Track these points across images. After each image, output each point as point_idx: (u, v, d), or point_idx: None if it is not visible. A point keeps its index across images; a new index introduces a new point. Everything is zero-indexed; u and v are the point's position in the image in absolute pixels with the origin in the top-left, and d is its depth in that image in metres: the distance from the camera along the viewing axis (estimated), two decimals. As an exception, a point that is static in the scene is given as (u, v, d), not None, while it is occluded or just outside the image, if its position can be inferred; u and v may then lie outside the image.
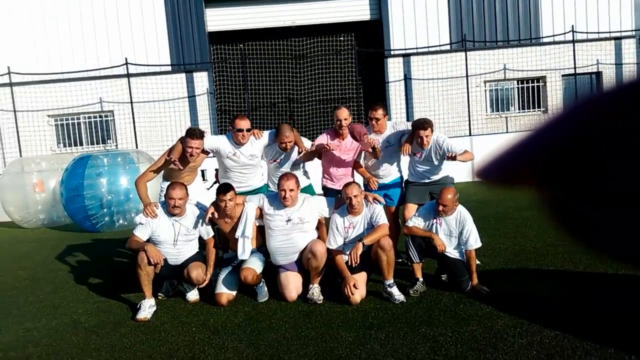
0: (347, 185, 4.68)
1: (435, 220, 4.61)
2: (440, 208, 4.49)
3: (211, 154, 5.29)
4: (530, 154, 0.39)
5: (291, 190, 4.63)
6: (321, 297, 4.54)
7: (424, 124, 5.06)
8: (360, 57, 14.05)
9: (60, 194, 9.31)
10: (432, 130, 5.10)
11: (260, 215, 4.81)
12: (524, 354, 3.25)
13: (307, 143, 5.25)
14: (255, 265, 4.67)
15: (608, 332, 3.47)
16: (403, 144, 5.13)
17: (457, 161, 4.88)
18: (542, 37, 14.32)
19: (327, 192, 5.29)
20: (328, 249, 4.62)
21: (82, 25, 13.77)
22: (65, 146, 14.32)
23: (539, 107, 14.81)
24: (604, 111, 0.35)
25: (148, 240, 4.72)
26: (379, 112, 5.17)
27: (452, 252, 4.58)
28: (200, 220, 4.81)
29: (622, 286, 4.35)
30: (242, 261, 4.70)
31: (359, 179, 5.32)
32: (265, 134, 5.18)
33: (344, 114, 5.18)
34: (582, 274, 4.73)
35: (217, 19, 14.29)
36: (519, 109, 14.89)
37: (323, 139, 5.24)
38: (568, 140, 0.36)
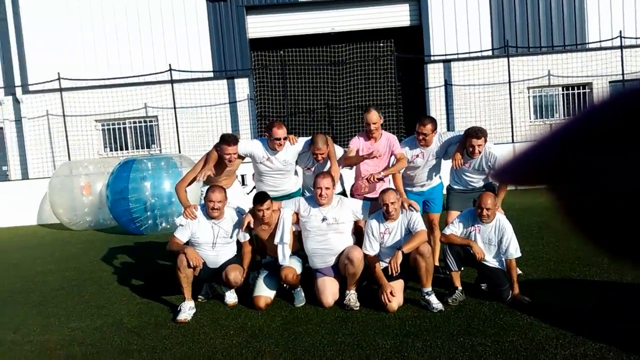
0: (384, 191, 4.67)
1: (473, 228, 4.54)
2: (484, 212, 4.39)
3: (247, 159, 5.37)
4: (543, 156, 0.39)
5: (327, 188, 4.66)
6: (358, 304, 4.53)
7: (477, 133, 4.91)
8: (399, 63, 13.99)
9: (106, 197, 9.61)
10: (485, 140, 4.97)
11: (297, 220, 4.85)
12: (566, 367, 3.16)
13: (339, 151, 5.23)
14: (295, 266, 4.72)
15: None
16: (454, 154, 4.99)
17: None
18: (589, 43, 13.92)
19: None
20: (365, 256, 4.62)
21: (128, 32, 14.21)
22: (111, 150, 14.76)
23: (584, 113, 14.38)
24: (614, 115, 0.36)
25: (187, 242, 4.83)
26: (428, 127, 5.03)
27: (492, 261, 4.50)
28: (238, 225, 4.88)
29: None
30: (280, 265, 4.75)
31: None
32: (301, 140, 5.22)
33: (373, 117, 5.09)
34: (628, 286, 4.57)
35: (258, 26, 14.50)
36: (564, 116, 14.49)
37: (356, 142, 5.22)
38: (579, 142, 0.37)
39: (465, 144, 4.96)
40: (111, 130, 14.68)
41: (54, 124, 14.04)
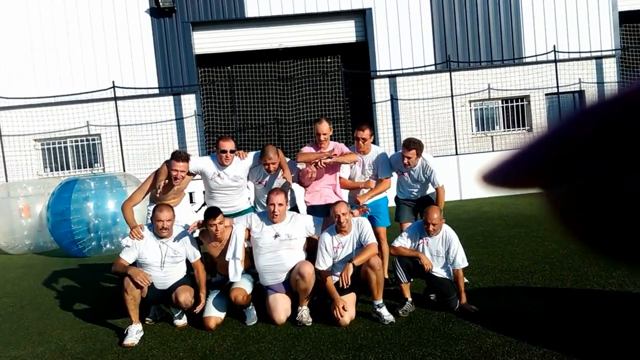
0: (335, 203, 4.70)
1: (421, 240, 4.63)
2: (430, 227, 4.52)
3: (197, 176, 5.30)
4: (538, 157, 0.39)
5: (280, 204, 4.66)
6: (310, 319, 4.52)
7: (409, 144, 5.13)
8: (347, 78, 14.20)
9: (47, 219, 9.22)
10: (417, 152, 5.13)
11: (248, 236, 4.81)
12: (512, 373, 3.25)
13: (290, 165, 5.29)
14: (245, 286, 4.66)
15: (595, 348, 3.48)
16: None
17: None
18: (525, 57, 14.58)
19: (312, 210, 5.28)
20: (317, 270, 4.62)
21: (69, 48, 13.80)
22: (51, 170, 14.22)
23: (523, 125, 15.00)
24: (611, 115, 0.35)
25: (135, 263, 4.69)
26: (366, 132, 5.22)
27: (440, 272, 4.60)
28: (187, 241, 4.78)
29: (609, 302, 4.38)
30: (231, 284, 4.68)
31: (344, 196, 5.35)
32: (250, 155, 5.21)
33: (324, 128, 5.22)
34: (569, 291, 4.76)
35: (205, 42, 14.40)
36: (504, 128, 15.06)
37: (307, 150, 5.32)
38: (577, 143, 0.36)
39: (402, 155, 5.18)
40: (51, 150, 14.15)
41: (-11, 144, 13.40)
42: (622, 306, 4.29)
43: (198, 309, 4.67)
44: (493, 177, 0.42)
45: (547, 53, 14.13)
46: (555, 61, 13.80)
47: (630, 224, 0.35)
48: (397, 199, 5.56)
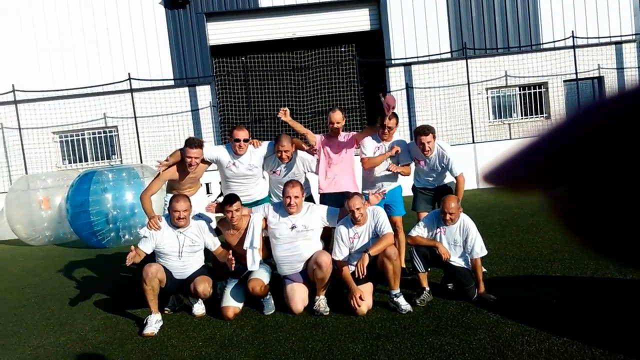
0: (349, 198, 4.67)
1: (438, 230, 4.60)
2: (447, 217, 4.48)
3: (213, 166, 5.33)
4: (539, 157, 0.39)
5: (296, 197, 4.66)
6: (327, 309, 4.53)
7: (424, 130, 5.08)
8: (361, 67, 14.11)
9: (66, 211, 9.35)
10: (434, 137, 5.10)
11: (266, 226, 4.82)
12: (532, 362, 3.23)
13: (305, 155, 5.28)
14: (262, 276, 4.68)
15: (616, 338, 3.44)
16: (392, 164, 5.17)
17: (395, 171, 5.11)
18: (543, 43, 14.35)
19: (326, 199, 5.26)
20: (333, 260, 4.62)
21: (85, 41, 13.90)
22: (70, 162, 14.39)
23: (541, 113, 14.80)
24: (612, 114, 0.35)
25: (153, 254, 4.74)
26: (392, 122, 5.17)
27: (457, 261, 4.57)
28: (206, 231, 4.81)
29: (630, 291, 4.32)
30: (249, 274, 4.71)
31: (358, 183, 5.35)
32: (265, 144, 5.23)
33: (337, 116, 5.22)
34: (590, 280, 4.70)
35: (219, 33, 14.40)
36: (521, 116, 14.88)
37: (319, 140, 5.32)
38: (578, 142, 0.36)
39: (417, 144, 5.13)
40: (69, 142, 14.32)
41: (9, 137, 13.60)
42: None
43: (231, 264, 4.52)
44: (494, 176, 0.41)
45: (565, 39, 13.89)
46: (574, 47, 13.56)
47: (630, 223, 0.35)
48: (414, 187, 5.50)
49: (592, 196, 0.36)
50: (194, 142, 4.95)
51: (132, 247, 4.57)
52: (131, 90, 13.13)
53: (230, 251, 4.70)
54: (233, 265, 4.47)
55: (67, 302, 5.72)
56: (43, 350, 4.35)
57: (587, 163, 0.36)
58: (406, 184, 5.59)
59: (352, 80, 14.72)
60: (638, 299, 4.21)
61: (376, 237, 4.57)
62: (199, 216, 4.95)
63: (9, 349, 4.45)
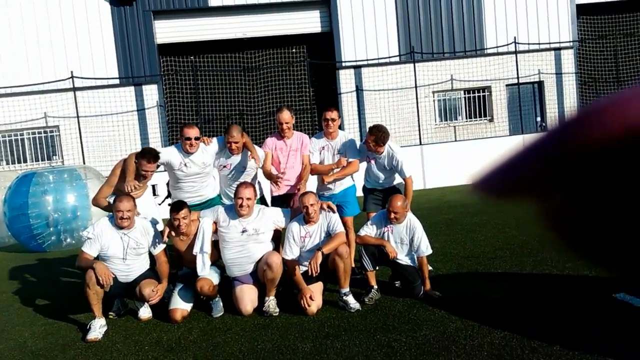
0: (303, 194, 4.70)
1: (386, 228, 4.68)
2: (392, 215, 4.57)
3: (161, 168, 5.22)
4: (529, 166, 0.38)
5: (248, 199, 4.62)
6: (277, 309, 4.53)
7: (371, 129, 5.20)
8: (312, 68, 14.18)
9: (4, 214, 8.92)
10: (377, 138, 5.11)
11: (215, 230, 4.76)
12: (475, 355, 3.34)
13: (259, 152, 5.23)
14: (211, 277, 4.62)
15: (554, 330, 3.61)
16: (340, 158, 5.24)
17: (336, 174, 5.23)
18: (487, 48, 14.85)
19: (277, 201, 5.27)
20: (284, 260, 4.62)
21: (25, 37, 13.34)
22: (8, 163, 13.76)
23: (485, 115, 15.31)
24: (606, 124, 0.35)
25: (97, 257, 4.59)
26: (334, 113, 5.24)
27: (404, 259, 4.67)
28: (150, 232, 4.71)
29: (567, 286, 4.54)
30: (197, 276, 4.64)
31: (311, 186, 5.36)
32: (214, 140, 5.18)
33: (285, 116, 5.20)
34: (529, 276, 4.90)
35: (167, 31, 14.13)
36: (466, 118, 15.35)
37: (270, 143, 5.29)
38: (568, 151, 0.36)
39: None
40: (8, 142, 13.69)
41: (-60, 136, 12.87)
42: (579, 290, 4.45)
43: (154, 301, 4.55)
44: (483, 186, 0.41)
45: (507, 44, 14.42)
46: (516, 52, 14.10)
47: (618, 233, 0.35)
48: (364, 188, 5.57)
49: (581, 207, 0.36)
50: (151, 156, 4.74)
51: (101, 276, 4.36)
52: (74, 89, 12.69)
53: (167, 267, 4.71)
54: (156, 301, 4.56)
55: (5, 308, 5.47)
56: (-22, 359, 4.14)
57: (576, 174, 0.36)
58: (359, 185, 5.63)
59: (303, 81, 14.76)
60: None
61: (328, 236, 4.60)
62: (149, 220, 4.84)
63: (-60, 360, 4.22)
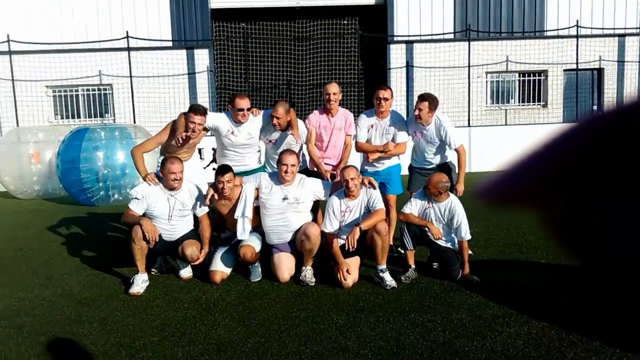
0: (344, 168, 4.70)
1: (427, 205, 4.63)
2: (431, 191, 4.51)
3: (209, 132, 5.29)
4: (532, 173, 0.38)
5: (292, 165, 4.66)
6: (313, 279, 4.58)
7: (421, 95, 5.09)
8: (363, 41, 13.97)
9: (56, 166, 9.29)
10: (429, 106, 5.03)
11: (257, 196, 4.82)
12: (511, 343, 3.30)
13: (302, 128, 5.22)
14: (254, 243, 4.70)
15: (594, 325, 3.52)
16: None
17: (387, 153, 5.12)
18: (546, 31, 14.26)
19: (316, 175, 5.27)
20: (322, 232, 4.65)
21: (84, -4, 13.62)
22: (62, 118, 14.24)
23: (539, 100, 14.80)
24: (609, 130, 0.35)
25: (143, 215, 4.73)
26: (388, 92, 5.14)
27: (444, 241, 4.61)
28: (196, 195, 4.81)
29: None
30: (239, 241, 4.73)
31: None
32: (262, 112, 5.20)
33: (333, 88, 5.17)
34: (572, 268, 4.77)
35: (221, -4, 14.15)
36: (519, 102, 14.87)
37: (314, 118, 5.27)
38: (572, 158, 0.36)
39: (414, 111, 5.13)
40: (63, 97, 14.14)
41: (1, 89, 13.39)
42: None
43: (198, 261, 4.70)
44: (486, 193, 0.41)
45: (569, 27, 13.81)
46: (577, 36, 13.49)
47: (623, 240, 0.35)
48: (410, 167, 5.47)
49: (585, 215, 0.36)
50: (199, 109, 4.90)
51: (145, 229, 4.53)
52: (128, 49, 12.93)
53: (209, 231, 4.81)
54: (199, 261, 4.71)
55: (54, 256, 5.73)
56: (28, 302, 4.37)
57: (580, 182, 0.36)
58: (405, 163, 5.55)
59: (352, 54, 14.57)
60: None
61: (368, 212, 4.59)
62: (191, 182, 4.94)
63: (-6, 299, 4.47)
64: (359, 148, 5.30)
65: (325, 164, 5.27)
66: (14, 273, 5.21)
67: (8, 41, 12.68)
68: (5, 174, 10.04)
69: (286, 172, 4.64)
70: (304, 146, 5.40)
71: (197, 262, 4.72)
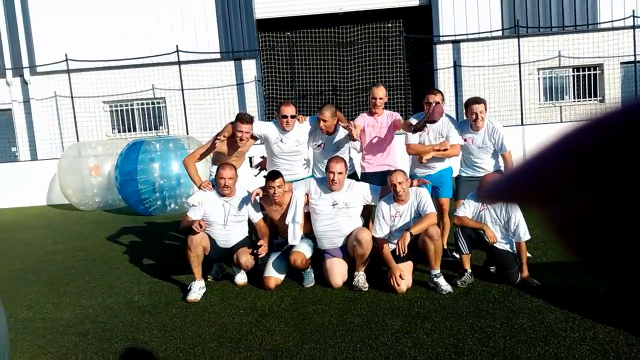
0: (392, 172, 4.66)
1: (482, 207, 4.52)
2: None
3: (259, 141, 5.37)
4: (537, 173, 0.38)
5: (340, 173, 4.66)
6: (366, 285, 4.55)
7: (477, 99, 4.99)
8: (408, 43, 13.84)
9: (115, 178, 9.66)
10: (485, 107, 4.97)
11: (307, 201, 4.86)
12: (576, 349, 3.17)
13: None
14: (304, 250, 4.73)
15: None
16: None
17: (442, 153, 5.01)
18: (600, 23, 13.71)
19: (367, 179, 5.24)
20: (374, 238, 4.62)
21: (135, 12, 14.12)
22: (119, 132, 14.79)
23: (595, 96, 14.23)
24: (617, 130, 0.34)
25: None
26: (438, 96, 5.05)
27: (501, 244, 4.49)
28: (249, 203, 4.88)
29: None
30: (291, 247, 4.77)
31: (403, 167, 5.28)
32: (307, 119, 5.24)
33: (379, 92, 5.17)
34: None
35: (265, 6, 14.36)
36: (574, 98, 14.34)
37: (361, 120, 5.25)
38: (578, 159, 0.36)
39: (467, 115, 5.02)
40: (119, 112, 14.69)
41: (62, 105, 14.06)
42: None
43: (262, 252, 4.65)
44: (491, 193, 0.41)
45: (624, 18, 13.21)
46: (634, 27, 12.90)
47: (629, 241, 0.34)
48: (459, 177, 5.34)
49: (590, 213, 0.36)
50: (246, 118, 5.00)
51: (195, 222, 4.61)
52: (179, 63, 13.31)
53: (266, 244, 4.74)
54: (262, 254, 4.66)
55: (115, 265, 5.94)
56: (92, 310, 4.55)
57: (584, 181, 0.35)
58: (457, 166, 5.45)
59: (397, 57, 14.46)
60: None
61: (418, 216, 4.54)
62: (244, 189, 5.02)
63: (62, 308, 4.67)
64: (411, 150, 5.24)
65: (377, 165, 5.25)
66: (78, 282, 5.44)
67: (67, 60, 13.29)
68: (67, 187, 10.50)
69: (333, 180, 4.65)
70: (352, 151, 5.40)
71: (262, 254, 4.69)
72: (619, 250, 0.35)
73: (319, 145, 5.25)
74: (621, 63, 13.80)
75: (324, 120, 4.97)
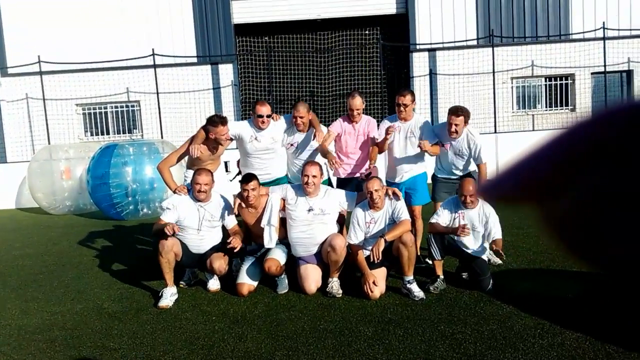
0: (368, 179, 4.68)
1: (457, 214, 4.56)
2: (465, 199, 4.43)
3: (233, 142, 5.35)
4: (532, 171, 0.39)
5: (314, 176, 4.65)
6: (340, 291, 4.55)
7: (457, 111, 4.99)
8: (385, 51, 13.95)
9: (87, 182, 9.49)
10: (465, 120, 5.01)
11: (283, 207, 4.84)
12: (544, 355, 3.22)
13: (324, 130, 5.24)
14: (279, 257, 4.71)
15: (632, 336, 3.41)
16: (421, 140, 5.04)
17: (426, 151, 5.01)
18: (572, 34, 14.03)
19: (343, 184, 5.26)
20: (348, 244, 4.63)
21: (111, 15, 13.94)
22: (92, 135, 14.55)
23: (566, 105, 14.54)
24: (614, 127, 0.35)
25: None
26: (407, 98, 5.09)
27: (473, 247, 4.54)
28: (225, 207, 4.84)
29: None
30: (265, 253, 4.74)
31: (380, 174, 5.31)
32: (282, 117, 5.26)
33: (357, 103, 5.15)
34: (606, 277, 4.64)
35: (243, 11, 14.33)
36: (546, 107, 14.63)
37: (337, 125, 5.26)
38: (574, 156, 0.36)
39: (447, 123, 5.05)
40: (92, 115, 14.46)
41: (33, 108, 13.78)
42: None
43: (235, 246, 4.53)
44: (489, 190, 0.42)
45: (595, 30, 13.55)
46: (604, 38, 13.23)
47: (625, 238, 0.34)
48: (434, 177, 5.42)
49: (586, 211, 0.36)
50: (224, 120, 4.94)
51: (168, 225, 4.49)
52: (154, 66, 13.18)
53: (239, 239, 4.65)
54: (237, 247, 4.53)
55: (85, 271, 5.83)
56: (60, 316, 4.45)
57: (581, 178, 0.36)
58: (430, 171, 5.49)
59: (375, 64, 14.57)
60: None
61: (393, 223, 4.56)
62: (220, 195, 4.98)
63: (29, 314, 4.56)
64: (381, 149, 5.24)
65: (345, 179, 5.27)
66: (47, 287, 5.32)
67: (39, 62, 13.04)
68: (38, 191, 10.28)
69: (307, 183, 4.65)
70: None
71: (235, 246, 4.58)
72: (619, 251, 0.35)
73: (291, 144, 5.25)
74: (592, 73, 14.14)
75: (300, 117, 4.99)
